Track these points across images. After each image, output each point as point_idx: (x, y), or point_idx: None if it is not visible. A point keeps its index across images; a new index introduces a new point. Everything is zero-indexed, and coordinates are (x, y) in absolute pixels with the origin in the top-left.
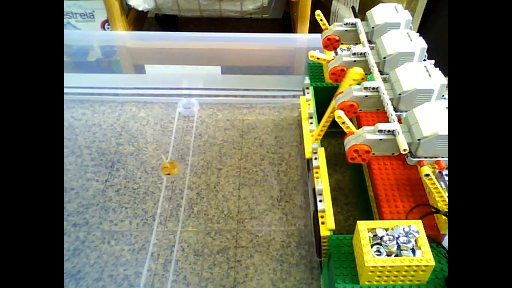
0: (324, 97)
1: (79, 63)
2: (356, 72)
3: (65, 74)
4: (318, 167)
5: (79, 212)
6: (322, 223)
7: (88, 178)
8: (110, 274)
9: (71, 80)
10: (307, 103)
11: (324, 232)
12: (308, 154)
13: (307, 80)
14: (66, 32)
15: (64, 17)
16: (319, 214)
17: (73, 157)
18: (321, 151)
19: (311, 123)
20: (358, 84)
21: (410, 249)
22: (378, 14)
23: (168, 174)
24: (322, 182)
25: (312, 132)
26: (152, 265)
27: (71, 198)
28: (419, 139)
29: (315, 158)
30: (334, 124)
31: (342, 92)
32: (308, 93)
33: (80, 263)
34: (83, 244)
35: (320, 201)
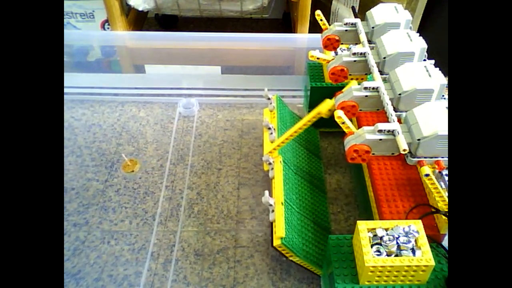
0: (323, 97)
1: (79, 63)
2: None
3: (65, 74)
4: (273, 178)
5: (79, 212)
6: (275, 232)
7: (88, 178)
8: (110, 274)
9: (71, 80)
10: (270, 114)
11: (276, 241)
12: (265, 167)
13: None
14: (66, 32)
15: (64, 17)
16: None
17: (73, 157)
18: (277, 161)
19: (271, 133)
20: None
21: (410, 249)
22: (378, 14)
23: (132, 171)
24: (275, 193)
25: (272, 142)
26: (152, 265)
27: (71, 198)
28: (419, 139)
29: (271, 169)
30: (334, 124)
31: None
32: (271, 103)
33: (80, 263)
34: (83, 244)
35: (272, 211)
